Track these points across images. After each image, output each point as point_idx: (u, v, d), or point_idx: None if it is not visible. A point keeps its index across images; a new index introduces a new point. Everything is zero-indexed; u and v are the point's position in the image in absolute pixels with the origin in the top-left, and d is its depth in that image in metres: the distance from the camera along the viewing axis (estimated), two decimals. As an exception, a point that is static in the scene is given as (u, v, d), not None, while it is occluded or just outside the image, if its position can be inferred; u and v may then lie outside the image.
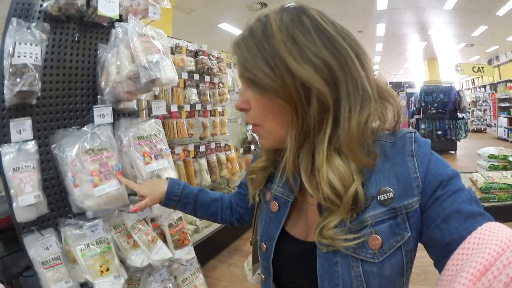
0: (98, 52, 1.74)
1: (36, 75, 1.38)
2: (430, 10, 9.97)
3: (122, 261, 1.63)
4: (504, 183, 4.69)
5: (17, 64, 1.35)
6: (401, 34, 12.96)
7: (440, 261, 0.69)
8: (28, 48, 1.36)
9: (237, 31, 10.48)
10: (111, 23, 1.79)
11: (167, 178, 1.36)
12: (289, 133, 0.78)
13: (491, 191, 4.67)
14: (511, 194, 4.71)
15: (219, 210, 1.33)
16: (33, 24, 1.44)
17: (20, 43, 1.35)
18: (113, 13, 1.58)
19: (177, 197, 1.30)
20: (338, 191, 0.73)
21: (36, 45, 1.39)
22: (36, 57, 1.39)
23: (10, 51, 1.34)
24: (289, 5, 0.78)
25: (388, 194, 0.74)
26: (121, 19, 1.76)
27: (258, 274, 1.13)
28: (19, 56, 1.34)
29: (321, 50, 0.71)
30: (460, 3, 9.18)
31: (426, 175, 0.73)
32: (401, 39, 13.70)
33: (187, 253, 1.99)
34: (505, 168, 5.35)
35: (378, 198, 0.74)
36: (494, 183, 4.67)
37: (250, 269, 1.22)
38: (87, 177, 1.45)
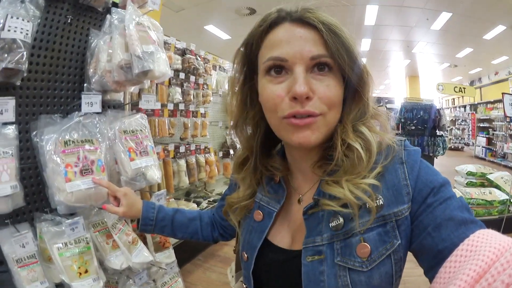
0: (90, 37, 1.65)
1: (25, 53, 1.26)
2: (418, 29, 10.16)
3: (100, 262, 1.52)
4: (482, 199, 4.89)
5: (6, 39, 1.22)
6: (386, 51, 13.16)
7: (431, 270, 0.68)
8: (19, 23, 1.24)
9: (223, 34, 10.58)
10: (106, 9, 1.71)
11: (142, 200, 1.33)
12: (345, 115, 0.81)
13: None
14: (488, 210, 4.91)
15: (198, 229, 1.31)
16: (27, -2, 1.33)
17: (12, 17, 1.23)
18: (115, -4, 1.49)
19: (153, 221, 1.26)
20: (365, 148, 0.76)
21: (28, 21, 1.27)
22: (27, 34, 1.27)
23: (1, 24, 1.22)
24: None
25: (377, 201, 0.73)
26: (117, 5, 1.66)
27: (241, 281, 1.09)
28: (9, 30, 1.22)
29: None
30: (448, 25, 9.39)
31: (416, 182, 0.73)
32: (384, 56, 13.90)
33: (168, 257, 1.94)
34: (482, 185, 5.51)
35: (367, 205, 0.73)
36: (472, 198, 4.86)
37: (233, 276, 1.19)
38: (60, 169, 1.34)
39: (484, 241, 0.60)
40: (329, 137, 0.80)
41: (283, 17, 0.78)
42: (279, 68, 0.77)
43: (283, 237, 0.90)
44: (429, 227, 0.69)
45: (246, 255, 0.94)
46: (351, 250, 0.73)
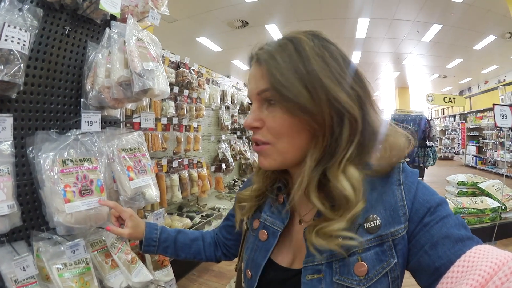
0: (87, 50, 1.61)
1: (22, 65, 1.21)
2: (408, 41, 10.35)
3: (99, 282, 1.47)
4: (474, 208, 4.95)
5: (2, 49, 1.17)
6: (376, 63, 13.34)
7: (429, 287, 0.69)
8: (17, 32, 1.19)
9: (214, 46, 10.64)
10: (104, 21, 1.68)
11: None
12: (309, 155, 0.79)
13: (460, 215, 4.86)
14: (480, 218, 4.96)
15: (201, 249, 1.31)
16: (25, 6, 1.28)
17: (9, 25, 1.18)
18: (115, 10, 1.47)
19: (156, 242, 1.27)
20: (349, 198, 0.74)
21: (25, 31, 1.22)
22: (24, 45, 1.22)
23: (-3, 32, 1.17)
24: (313, 32, 0.82)
25: (374, 221, 0.76)
26: (115, 18, 1.64)
27: None
28: (6, 40, 1.16)
29: (351, 80, 0.77)
30: (439, 36, 9.59)
31: (413, 203, 0.76)
32: (374, 68, 14.08)
33: (166, 275, 1.91)
34: (473, 194, 5.57)
35: (365, 226, 0.76)
36: (463, 208, 4.92)
37: None
38: (59, 190, 1.30)
39: (481, 257, 0.60)
40: (293, 162, 0.84)
41: (251, 58, 0.86)
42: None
43: (285, 256, 0.92)
44: (426, 246, 0.71)
45: (250, 273, 0.96)
46: (349, 268, 0.75)
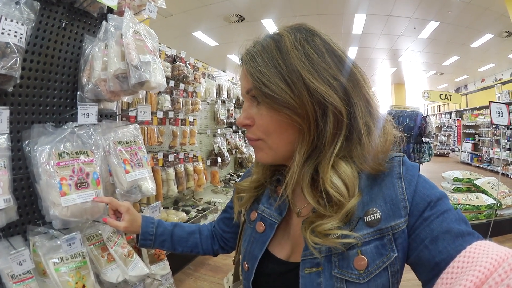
0: (84, 44, 1.60)
1: (18, 58, 1.20)
2: (405, 37, 10.34)
3: (96, 276, 1.46)
4: (469, 204, 4.98)
5: None
6: (372, 59, 13.33)
7: (429, 282, 0.69)
8: (13, 25, 1.18)
9: (210, 41, 10.59)
10: (101, 14, 1.66)
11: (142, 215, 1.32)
12: (297, 149, 0.80)
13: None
14: (475, 214, 4.99)
15: (198, 242, 1.31)
16: (22, 0, 1.26)
17: (6, 19, 1.17)
18: (112, 3, 1.46)
19: (152, 236, 1.27)
20: (341, 194, 0.74)
21: (22, 24, 1.21)
22: (21, 38, 1.21)
23: (-6, 26, 1.15)
24: (298, 25, 0.82)
25: (375, 215, 0.75)
26: (112, 11, 1.62)
27: None
28: (2, 33, 1.15)
29: (336, 72, 0.76)
30: (435, 33, 9.60)
31: (413, 196, 0.75)
32: (371, 64, 14.08)
33: (163, 268, 1.90)
34: (469, 191, 5.59)
35: (365, 219, 0.76)
36: (459, 204, 4.94)
37: (230, 287, 1.19)
38: (55, 183, 1.29)
39: (481, 252, 0.59)
40: (286, 156, 0.85)
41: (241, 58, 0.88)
42: None
43: (283, 249, 0.91)
44: (426, 240, 0.71)
45: (247, 265, 0.95)
46: (348, 262, 0.74)
